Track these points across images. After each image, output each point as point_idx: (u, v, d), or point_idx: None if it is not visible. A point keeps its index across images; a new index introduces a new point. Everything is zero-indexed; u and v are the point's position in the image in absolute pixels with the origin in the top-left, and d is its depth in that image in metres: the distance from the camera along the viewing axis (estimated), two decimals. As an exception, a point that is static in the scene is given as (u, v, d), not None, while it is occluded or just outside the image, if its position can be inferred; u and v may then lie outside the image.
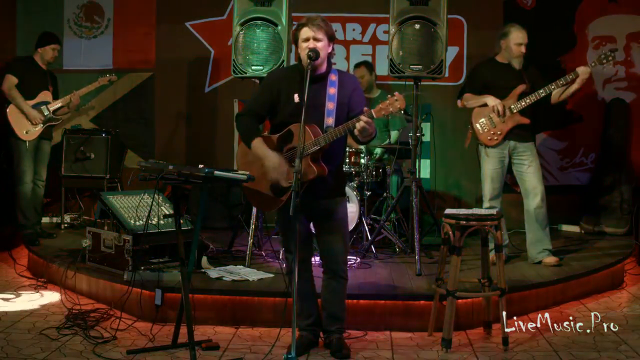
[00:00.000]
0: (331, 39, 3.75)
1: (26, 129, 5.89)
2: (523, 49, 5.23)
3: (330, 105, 3.70)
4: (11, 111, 5.87)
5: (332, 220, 3.83)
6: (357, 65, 6.57)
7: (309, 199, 3.66)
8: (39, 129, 5.95)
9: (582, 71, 5.04)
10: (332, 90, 3.72)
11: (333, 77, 3.76)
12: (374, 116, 3.53)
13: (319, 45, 3.67)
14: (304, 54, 3.68)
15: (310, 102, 3.59)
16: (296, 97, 3.71)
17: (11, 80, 5.85)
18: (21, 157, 5.92)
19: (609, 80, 7.09)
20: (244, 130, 3.82)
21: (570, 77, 5.05)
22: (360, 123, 3.54)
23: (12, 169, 6.02)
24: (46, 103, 6.00)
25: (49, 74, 6.10)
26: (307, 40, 3.68)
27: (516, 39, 5.22)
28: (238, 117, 3.88)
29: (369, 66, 6.51)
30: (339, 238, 3.84)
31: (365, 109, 3.59)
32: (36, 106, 5.94)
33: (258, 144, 3.74)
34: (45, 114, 5.96)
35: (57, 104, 6.06)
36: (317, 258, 4.37)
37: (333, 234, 3.83)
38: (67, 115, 6.41)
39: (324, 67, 3.75)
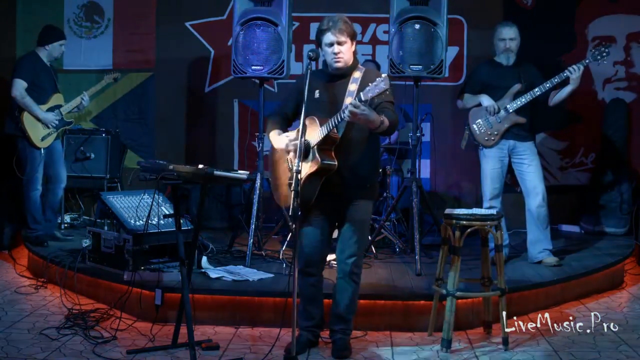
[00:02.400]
0: (353, 38, 3.79)
1: (42, 136, 5.69)
2: (508, 45, 5.23)
3: (348, 101, 3.67)
4: (27, 118, 5.62)
5: (349, 222, 3.80)
6: (367, 61, 6.64)
7: (326, 198, 3.69)
8: (53, 135, 5.78)
9: (574, 69, 5.01)
10: (352, 87, 3.71)
11: (356, 74, 3.76)
12: (362, 99, 3.48)
13: (343, 48, 3.72)
14: (329, 59, 3.76)
15: (330, 99, 3.71)
16: (316, 94, 3.79)
17: (22, 85, 5.56)
18: (35, 164, 5.70)
19: (609, 80, 7.08)
20: (268, 127, 3.97)
21: (565, 74, 5.04)
22: (349, 108, 3.48)
23: (20, 170, 5.80)
24: (59, 107, 5.82)
25: (52, 70, 5.89)
26: (331, 45, 3.72)
27: (499, 34, 5.26)
28: (267, 117, 4.05)
29: (377, 65, 6.56)
30: (353, 241, 3.80)
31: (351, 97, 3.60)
32: (49, 111, 5.75)
33: (271, 134, 3.91)
34: (59, 118, 5.77)
35: (70, 107, 5.89)
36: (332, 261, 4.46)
37: (348, 236, 3.81)
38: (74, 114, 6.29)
39: (348, 65, 3.78)
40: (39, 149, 5.72)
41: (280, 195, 3.92)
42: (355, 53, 3.84)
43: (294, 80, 4.44)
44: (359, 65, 3.85)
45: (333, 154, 3.65)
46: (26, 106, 5.61)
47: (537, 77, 5.20)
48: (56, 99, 5.85)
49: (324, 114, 3.63)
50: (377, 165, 4.01)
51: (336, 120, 3.57)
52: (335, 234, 3.97)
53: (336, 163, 3.65)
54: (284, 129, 3.95)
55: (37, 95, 5.67)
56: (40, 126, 5.69)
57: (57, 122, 5.78)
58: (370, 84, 3.47)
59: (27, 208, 5.81)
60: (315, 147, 3.63)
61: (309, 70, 3.64)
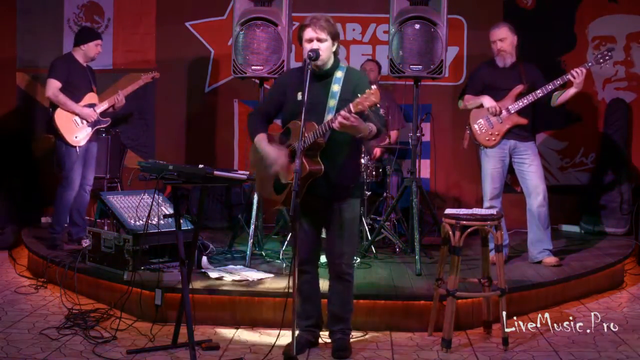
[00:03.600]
0: (335, 37, 3.74)
1: (75, 134, 5.61)
2: (499, 45, 5.22)
3: (332, 103, 3.67)
4: (59, 116, 5.56)
5: (338, 222, 3.79)
6: (369, 60, 6.66)
7: (313, 199, 3.67)
8: (87, 133, 5.68)
9: (577, 74, 5.00)
10: (335, 88, 3.69)
11: (339, 74, 3.74)
12: (352, 110, 3.44)
13: (323, 46, 3.67)
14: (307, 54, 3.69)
15: (313, 100, 3.62)
16: (299, 96, 3.71)
17: (55, 85, 5.54)
18: (71, 162, 5.61)
19: (609, 80, 7.09)
20: (250, 127, 3.87)
21: (567, 77, 5.04)
22: (339, 119, 3.45)
23: (59, 171, 5.71)
24: (93, 106, 5.72)
25: (88, 69, 5.82)
26: (310, 41, 3.68)
27: (490, 36, 5.26)
28: (249, 116, 3.95)
29: (379, 65, 6.57)
30: (343, 240, 3.80)
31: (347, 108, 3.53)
32: None
33: (259, 140, 3.78)
34: (96, 115, 5.70)
35: (104, 106, 5.78)
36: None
37: (338, 236, 3.80)
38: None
39: (328, 65, 3.75)
40: (74, 147, 5.63)
41: (268, 195, 3.88)
42: (337, 54, 3.79)
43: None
44: (341, 65, 3.79)
45: (318, 158, 3.64)
46: (61, 103, 5.56)
47: (538, 78, 5.20)
48: (90, 97, 5.75)
49: (307, 115, 3.55)
50: (359, 166, 4.19)
51: (324, 128, 3.56)
52: (323, 234, 3.94)
53: (322, 167, 3.64)
54: (266, 130, 3.87)
55: (70, 94, 5.62)
56: (72, 124, 5.62)
57: (94, 118, 5.70)
58: (360, 95, 3.40)
59: (56, 208, 5.70)
60: (303, 153, 3.59)
61: (308, 71, 3.61)
